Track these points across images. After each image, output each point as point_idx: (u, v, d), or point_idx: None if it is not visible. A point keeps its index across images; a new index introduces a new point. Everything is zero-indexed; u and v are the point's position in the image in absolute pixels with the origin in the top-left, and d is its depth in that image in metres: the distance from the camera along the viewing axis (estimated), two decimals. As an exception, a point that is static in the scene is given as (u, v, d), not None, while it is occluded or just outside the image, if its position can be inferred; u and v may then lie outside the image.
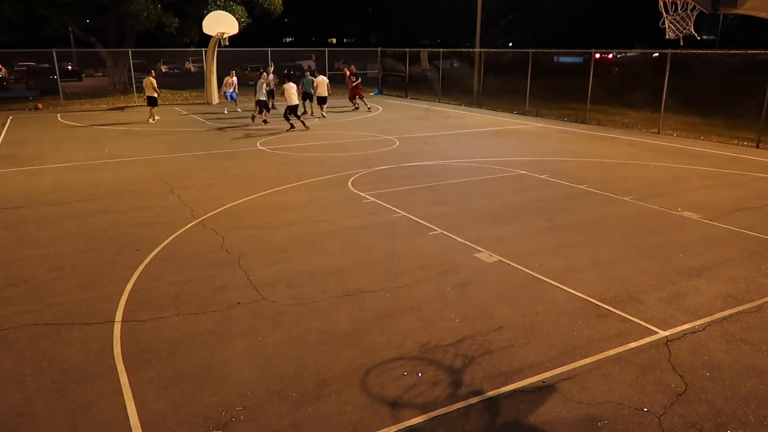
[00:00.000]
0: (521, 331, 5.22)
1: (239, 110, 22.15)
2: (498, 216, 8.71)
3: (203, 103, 26.08)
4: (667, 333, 5.18)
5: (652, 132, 17.49)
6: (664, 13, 4.56)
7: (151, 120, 19.64)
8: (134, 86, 27.40)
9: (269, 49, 28.50)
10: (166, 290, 6.11)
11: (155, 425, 3.96)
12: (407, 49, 30.64)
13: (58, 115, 21.96)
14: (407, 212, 8.87)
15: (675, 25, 4.56)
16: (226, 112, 22.26)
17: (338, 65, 36.58)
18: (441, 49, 29.45)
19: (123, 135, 17.14)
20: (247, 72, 35.80)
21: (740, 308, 5.67)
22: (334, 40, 69.60)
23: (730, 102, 18.17)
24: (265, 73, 19.28)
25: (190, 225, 8.30)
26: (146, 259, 6.97)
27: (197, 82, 30.10)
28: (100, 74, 36.03)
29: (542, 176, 11.29)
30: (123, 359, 4.76)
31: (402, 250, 7.28)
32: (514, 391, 4.32)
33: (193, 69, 37.36)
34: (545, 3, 46.31)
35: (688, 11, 4.45)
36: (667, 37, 4.67)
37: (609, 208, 9.14)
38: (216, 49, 24.79)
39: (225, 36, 23.88)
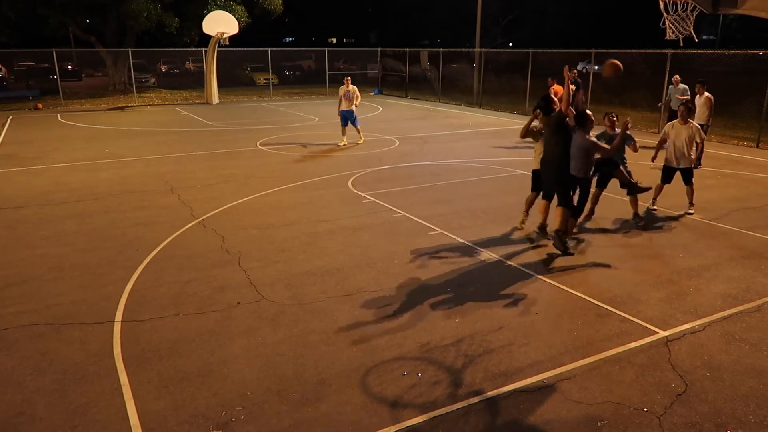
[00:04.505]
0: (521, 331, 5.22)
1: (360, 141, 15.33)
2: (498, 216, 8.71)
3: (203, 103, 26.10)
4: (666, 333, 5.18)
5: (652, 132, 17.48)
6: (665, 14, 4.57)
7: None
8: (134, 86, 27.42)
9: (269, 49, 28.50)
10: (166, 290, 6.11)
11: (155, 425, 3.96)
12: (407, 49, 30.65)
13: (58, 115, 21.95)
14: (407, 212, 8.87)
15: (675, 26, 4.57)
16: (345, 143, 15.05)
17: (338, 65, 36.59)
18: (441, 49, 29.43)
19: (123, 135, 17.14)
20: (247, 72, 35.86)
21: (740, 308, 5.67)
22: (334, 40, 69.65)
23: (729, 102, 18.16)
24: None
25: (190, 225, 8.30)
26: (146, 259, 6.97)
27: (197, 82, 30.11)
28: (100, 74, 36.04)
29: (542, 176, 11.27)
30: (123, 359, 4.76)
31: (402, 250, 7.28)
32: (514, 391, 4.32)
33: (192, 69, 37.38)
34: (545, 3, 46.32)
35: (688, 11, 4.46)
36: (666, 37, 4.69)
37: (608, 207, 9.13)
38: (216, 49, 24.81)
39: (225, 36, 23.90)
